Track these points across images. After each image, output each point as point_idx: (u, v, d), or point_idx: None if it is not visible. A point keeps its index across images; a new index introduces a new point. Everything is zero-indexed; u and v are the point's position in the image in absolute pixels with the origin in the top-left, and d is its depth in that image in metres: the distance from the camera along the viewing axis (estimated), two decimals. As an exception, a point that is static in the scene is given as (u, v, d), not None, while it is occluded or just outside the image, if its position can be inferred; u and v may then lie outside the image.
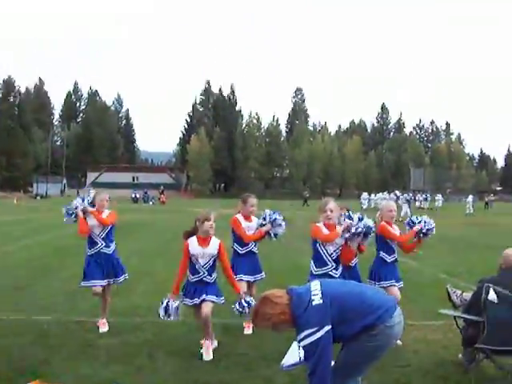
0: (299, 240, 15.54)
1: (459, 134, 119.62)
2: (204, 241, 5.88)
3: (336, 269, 5.90)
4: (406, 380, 5.12)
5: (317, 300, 3.58)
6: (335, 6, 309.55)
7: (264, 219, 6.82)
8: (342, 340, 3.66)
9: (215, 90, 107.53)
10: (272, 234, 6.86)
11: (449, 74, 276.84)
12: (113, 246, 6.94)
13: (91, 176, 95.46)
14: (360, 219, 5.86)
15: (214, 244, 5.91)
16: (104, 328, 6.66)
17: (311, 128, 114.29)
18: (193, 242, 5.90)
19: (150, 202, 58.98)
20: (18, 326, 6.79)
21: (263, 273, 7.04)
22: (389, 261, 6.52)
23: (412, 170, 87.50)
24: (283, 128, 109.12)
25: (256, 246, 6.96)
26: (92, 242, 6.84)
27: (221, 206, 34.42)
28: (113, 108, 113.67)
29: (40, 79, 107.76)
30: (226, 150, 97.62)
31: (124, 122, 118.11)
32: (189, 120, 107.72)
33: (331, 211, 5.87)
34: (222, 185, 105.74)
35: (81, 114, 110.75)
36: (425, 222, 6.51)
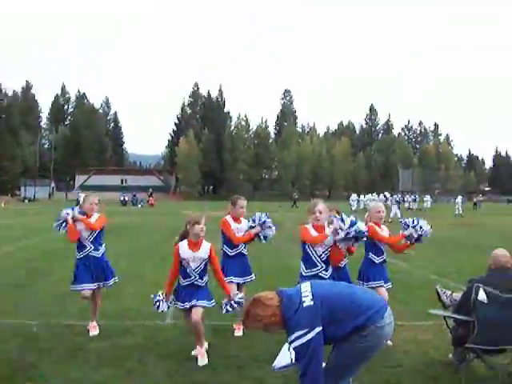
0: (289, 242, 15.56)
1: (447, 135, 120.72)
2: (195, 245, 5.84)
3: (326, 270, 5.87)
4: (397, 380, 5.14)
5: (307, 301, 3.59)
6: (324, 8, 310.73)
7: (254, 221, 6.82)
8: (333, 341, 3.66)
9: (204, 92, 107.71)
10: (262, 237, 6.85)
11: (437, 75, 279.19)
12: (102, 249, 6.90)
13: (80, 179, 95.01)
14: (353, 223, 5.71)
15: (205, 248, 5.86)
16: (94, 331, 6.63)
17: (300, 130, 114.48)
18: (183, 245, 5.85)
19: (139, 205, 58.69)
20: (6, 329, 6.72)
21: (253, 275, 7.03)
22: (377, 262, 6.54)
23: (400, 171, 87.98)
24: (272, 130, 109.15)
25: (246, 247, 6.95)
26: (81, 246, 6.80)
27: (209, 208, 34.35)
28: (101, 111, 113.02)
29: (27, 82, 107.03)
30: (215, 152, 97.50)
31: (112, 124, 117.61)
32: (177, 122, 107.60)
33: (320, 213, 5.87)
34: (211, 187, 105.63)
35: (69, 117, 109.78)
36: (420, 228, 6.37)
